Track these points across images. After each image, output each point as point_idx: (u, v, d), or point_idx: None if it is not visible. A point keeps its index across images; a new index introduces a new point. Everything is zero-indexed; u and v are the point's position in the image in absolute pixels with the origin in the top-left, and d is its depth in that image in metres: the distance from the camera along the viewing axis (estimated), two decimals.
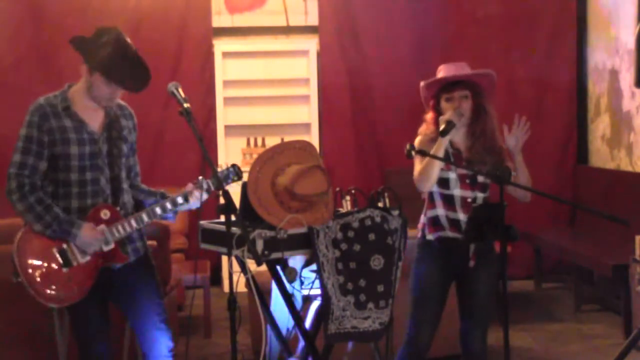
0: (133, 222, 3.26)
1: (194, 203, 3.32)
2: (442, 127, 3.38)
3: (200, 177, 3.30)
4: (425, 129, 3.54)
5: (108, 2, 6.96)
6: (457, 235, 3.45)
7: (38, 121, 3.19)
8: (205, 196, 3.30)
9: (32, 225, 3.18)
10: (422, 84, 3.57)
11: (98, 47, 3.15)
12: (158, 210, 3.28)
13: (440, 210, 3.47)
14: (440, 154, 3.39)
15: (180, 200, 3.30)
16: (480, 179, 3.45)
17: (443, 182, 3.46)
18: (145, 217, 3.27)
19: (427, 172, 3.40)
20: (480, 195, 3.48)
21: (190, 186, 3.32)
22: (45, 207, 3.17)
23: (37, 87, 6.54)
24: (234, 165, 3.37)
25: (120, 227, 3.23)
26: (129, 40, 3.22)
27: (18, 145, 3.21)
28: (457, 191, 3.45)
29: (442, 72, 3.55)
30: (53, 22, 6.85)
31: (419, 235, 3.57)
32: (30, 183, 3.19)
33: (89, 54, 3.18)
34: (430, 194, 3.51)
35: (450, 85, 3.49)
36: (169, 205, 3.29)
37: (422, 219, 3.58)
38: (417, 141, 3.52)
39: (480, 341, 3.49)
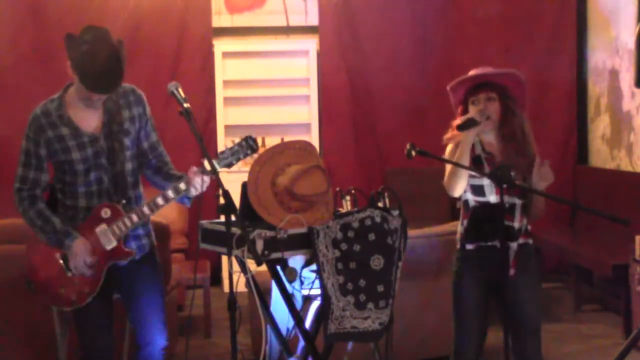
0: (134, 217, 3.22)
1: (194, 190, 3.18)
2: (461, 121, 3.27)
3: (204, 161, 3.15)
4: (450, 136, 3.39)
5: (108, 2, 6.96)
6: (495, 243, 3.29)
7: (34, 136, 3.20)
8: (207, 179, 3.16)
9: (37, 235, 3.26)
10: (448, 88, 3.44)
11: (77, 46, 3.07)
12: (160, 201, 3.20)
13: None
14: (465, 156, 3.27)
15: (182, 186, 3.18)
16: (517, 184, 3.26)
17: (477, 189, 3.33)
18: (146, 210, 3.22)
19: (452, 177, 3.29)
20: (518, 202, 3.31)
21: (193, 170, 3.18)
22: (45, 220, 3.22)
23: (37, 87, 6.56)
24: (246, 139, 3.22)
25: (121, 224, 3.21)
26: (111, 39, 3.09)
27: (20, 158, 3.25)
28: (492, 197, 3.30)
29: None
30: (53, 22, 6.84)
31: (458, 246, 3.42)
32: (29, 196, 3.25)
33: (70, 53, 3.10)
34: (466, 202, 3.38)
35: (475, 87, 3.37)
36: (171, 194, 3.19)
37: (460, 228, 3.42)
38: (447, 150, 3.40)
39: (537, 352, 3.35)
